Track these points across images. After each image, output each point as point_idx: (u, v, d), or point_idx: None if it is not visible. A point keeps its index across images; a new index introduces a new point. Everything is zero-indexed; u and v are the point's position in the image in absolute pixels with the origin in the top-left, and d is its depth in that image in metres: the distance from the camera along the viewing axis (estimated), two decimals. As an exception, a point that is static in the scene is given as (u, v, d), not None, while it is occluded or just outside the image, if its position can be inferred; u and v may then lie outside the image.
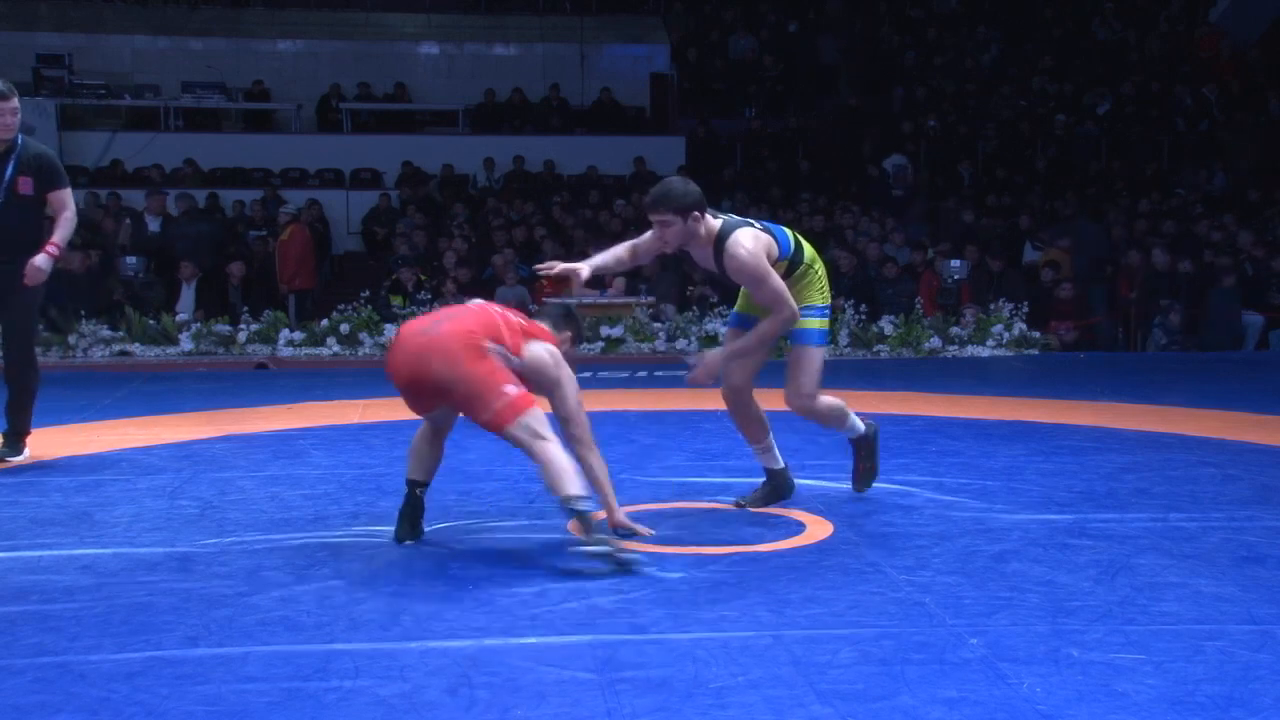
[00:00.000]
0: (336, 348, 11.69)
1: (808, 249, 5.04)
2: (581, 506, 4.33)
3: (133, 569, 4.34)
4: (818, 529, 4.87)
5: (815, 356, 5.05)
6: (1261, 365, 11.24)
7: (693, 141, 17.35)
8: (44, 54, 17.25)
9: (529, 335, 4.63)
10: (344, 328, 11.75)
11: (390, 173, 16.54)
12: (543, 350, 4.62)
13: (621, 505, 5.19)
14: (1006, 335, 11.85)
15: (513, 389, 4.41)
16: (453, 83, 18.55)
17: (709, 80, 18.77)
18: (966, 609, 3.86)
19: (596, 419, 7.41)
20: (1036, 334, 11.95)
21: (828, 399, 5.18)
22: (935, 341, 11.76)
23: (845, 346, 11.77)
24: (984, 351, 11.74)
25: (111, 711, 3.08)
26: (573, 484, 4.35)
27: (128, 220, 13.89)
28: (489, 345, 4.46)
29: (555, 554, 4.53)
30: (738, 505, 5.27)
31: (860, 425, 5.33)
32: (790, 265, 4.98)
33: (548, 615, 3.81)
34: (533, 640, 3.58)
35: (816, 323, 5.03)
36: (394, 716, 3.05)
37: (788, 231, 5.06)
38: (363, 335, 11.73)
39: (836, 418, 5.25)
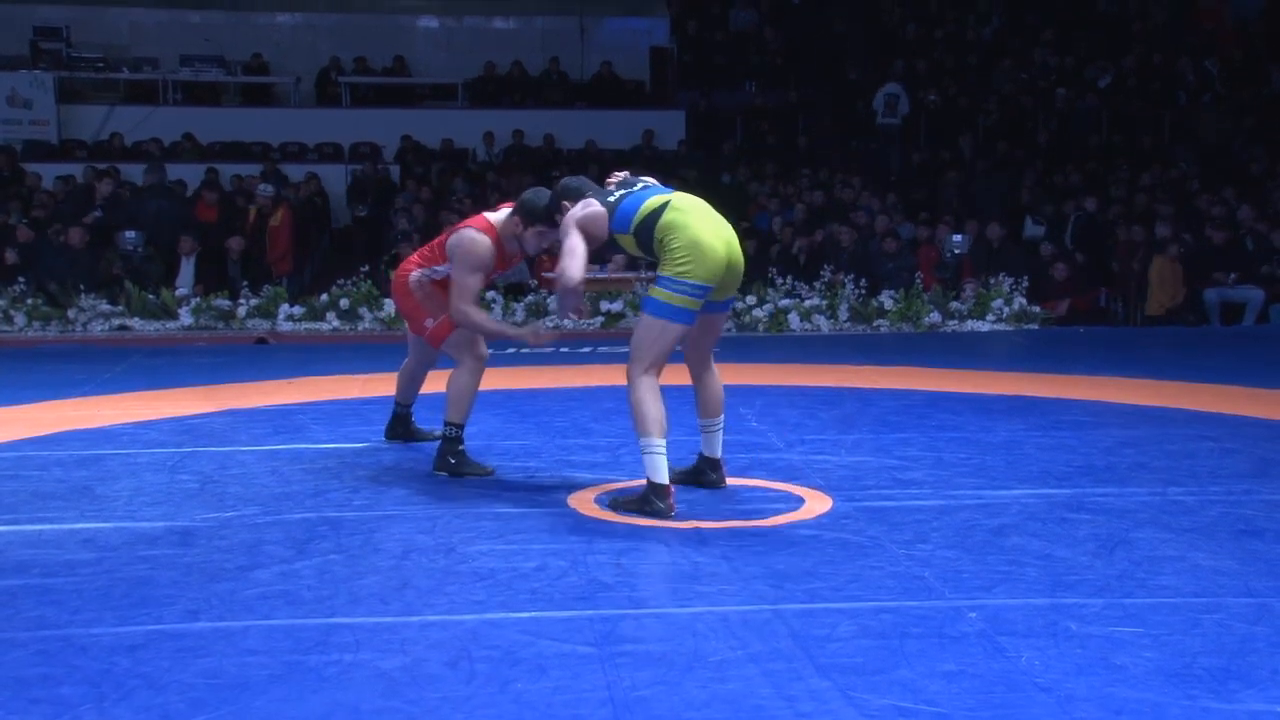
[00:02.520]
0: (336, 322, 11.68)
1: (669, 222, 4.69)
2: (451, 433, 5.37)
3: (133, 543, 4.35)
4: (817, 503, 4.88)
5: (644, 324, 4.74)
6: (1260, 340, 11.23)
7: (693, 115, 17.29)
8: (41, 26, 17.15)
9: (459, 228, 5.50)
10: (344, 302, 11.74)
11: (390, 146, 16.49)
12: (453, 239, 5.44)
13: (621, 480, 5.22)
14: (1006, 310, 11.84)
15: (430, 322, 5.48)
16: (452, 56, 18.47)
17: (709, 54, 18.68)
18: (965, 583, 3.87)
19: (597, 394, 7.45)
20: (1036, 309, 11.94)
21: (646, 395, 4.67)
22: (935, 316, 11.75)
23: (845, 321, 11.76)
24: (984, 326, 11.73)
25: (113, 684, 3.10)
26: (459, 414, 5.38)
27: (128, 193, 13.84)
28: (416, 274, 5.51)
29: (555, 528, 4.54)
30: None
31: (661, 473, 4.64)
32: (636, 238, 4.81)
33: (547, 589, 3.82)
34: (533, 614, 3.59)
35: (657, 292, 4.70)
36: (395, 690, 3.06)
37: (641, 206, 4.78)
38: (362, 310, 11.71)
39: (639, 420, 4.67)
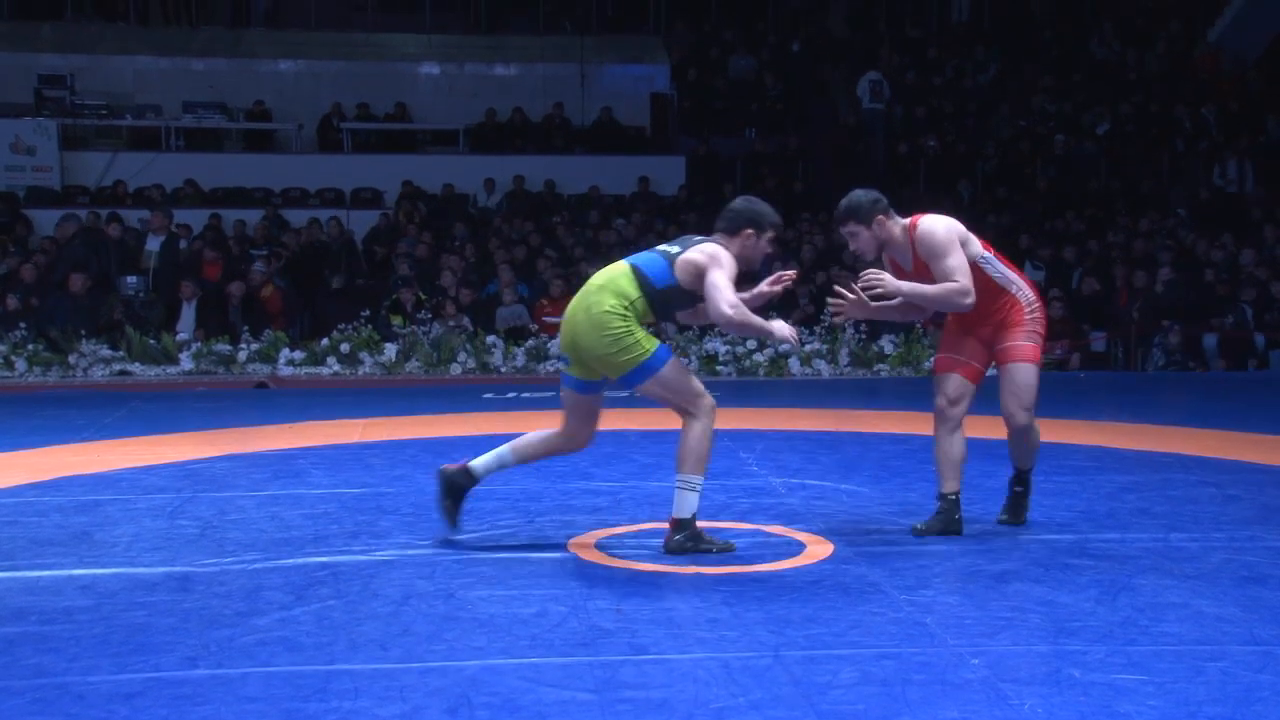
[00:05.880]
0: (337, 367, 11.69)
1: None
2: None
3: (132, 589, 4.33)
4: (818, 548, 4.87)
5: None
6: (1262, 385, 11.23)
7: (693, 161, 17.38)
8: (46, 74, 17.29)
9: None
10: (344, 347, 11.76)
11: (391, 192, 16.57)
12: None
13: (621, 525, 5.20)
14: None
15: None
16: (453, 102, 18.57)
17: (709, 100, 18.80)
18: (968, 629, 3.85)
19: (597, 438, 7.40)
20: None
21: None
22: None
23: (845, 366, 11.78)
24: (984, 371, 11.72)
25: (110, 732, 3.07)
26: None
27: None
28: None
29: (555, 574, 4.52)
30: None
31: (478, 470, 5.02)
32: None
33: (548, 635, 3.80)
34: (533, 660, 3.57)
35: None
36: (393, 737, 3.04)
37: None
38: (363, 354, 11.73)
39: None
